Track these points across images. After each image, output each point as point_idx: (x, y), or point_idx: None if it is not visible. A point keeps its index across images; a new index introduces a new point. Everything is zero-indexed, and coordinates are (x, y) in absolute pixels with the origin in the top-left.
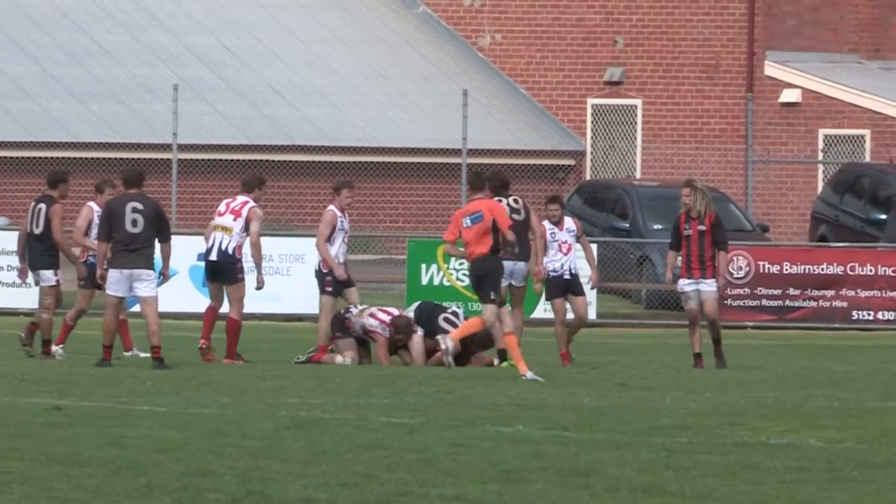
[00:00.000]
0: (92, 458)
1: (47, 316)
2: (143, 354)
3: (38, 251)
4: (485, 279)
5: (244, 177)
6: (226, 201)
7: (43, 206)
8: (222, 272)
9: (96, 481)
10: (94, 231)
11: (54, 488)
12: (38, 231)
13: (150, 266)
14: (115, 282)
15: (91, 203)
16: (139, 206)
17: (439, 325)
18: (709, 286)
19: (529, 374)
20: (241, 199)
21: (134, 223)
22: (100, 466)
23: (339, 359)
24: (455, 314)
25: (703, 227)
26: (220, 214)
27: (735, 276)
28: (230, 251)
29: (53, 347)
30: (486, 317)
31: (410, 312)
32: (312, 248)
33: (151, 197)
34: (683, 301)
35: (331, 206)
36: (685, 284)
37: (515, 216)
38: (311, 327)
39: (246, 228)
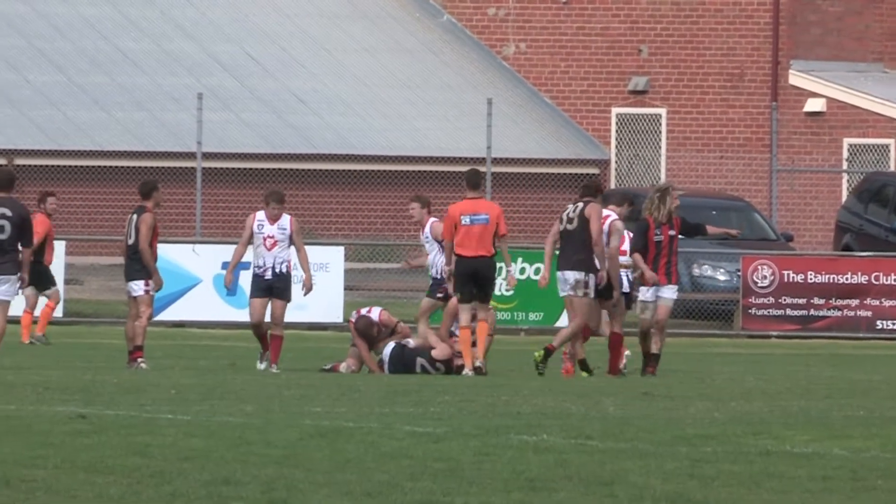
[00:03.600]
0: (116, 466)
1: (140, 323)
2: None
3: (132, 262)
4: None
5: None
6: None
7: (135, 216)
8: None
9: (121, 489)
10: (257, 238)
11: (79, 497)
12: (130, 242)
13: (14, 271)
14: None
15: (259, 212)
16: (7, 212)
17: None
18: (670, 293)
19: (468, 372)
20: (604, 212)
21: (1, 229)
22: (124, 475)
23: (342, 366)
24: (426, 370)
25: (673, 233)
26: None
27: (759, 285)
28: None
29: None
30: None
31: (385, 368)
32: (337, 256)
33: (19, 202)
34: (641, 309)
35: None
36: (648, 293)
37: (569, 226)
38: (334, 336)
39: (608, 242)
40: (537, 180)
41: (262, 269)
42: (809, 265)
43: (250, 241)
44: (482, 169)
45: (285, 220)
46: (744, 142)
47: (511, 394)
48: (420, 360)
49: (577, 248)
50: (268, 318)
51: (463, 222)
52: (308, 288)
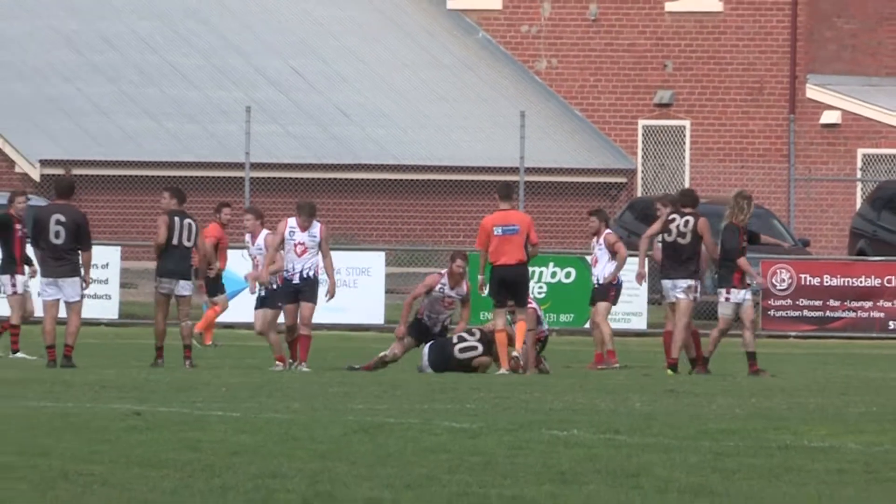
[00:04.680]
0: (169, 460)
1: (190, 322)
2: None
3: (187, 262)
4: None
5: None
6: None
7: (191, 221)
8: None
9: (174, 483)
10: (287, 244)
11: (134, 490)
12: (189, 244)
13: (75, 273)
14: (47, 287)
15: (291, 219)
16: (62, 217)
17: (456, 357)
18: (750, 294)
19: (501, 371)
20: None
21: (56, 235)
22: (177, 469)
23: (386, 351)
24: (463, 339)
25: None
26: None
27: (778, 288)
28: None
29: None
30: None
31: (425, 359)
32: (378, 261)
33: (77, 208)
34: (731, 310)
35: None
36: (738, 295)
37: (680, 239)
38: (376, 336)
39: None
40: (568, 189)
41: (290, 274)
42: (825, 269)
43: (281, 246)
44: (515, 179)
45: (315, 227)
46: (763, 152)
47: (543, 391)
48: (457, 347)
49: (689, 258)
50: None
51: (495, 233)
52: (331, 294)
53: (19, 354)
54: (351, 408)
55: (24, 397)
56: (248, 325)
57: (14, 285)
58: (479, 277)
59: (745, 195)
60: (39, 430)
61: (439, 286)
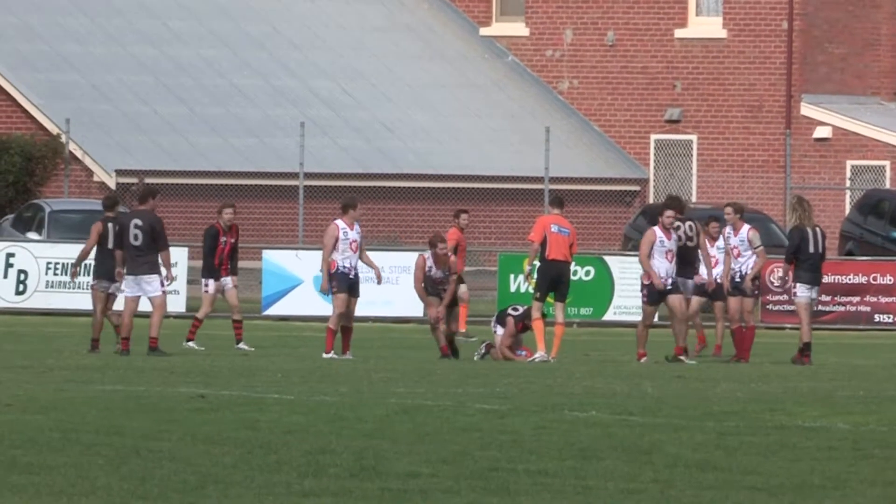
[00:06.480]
0: (230, 438)
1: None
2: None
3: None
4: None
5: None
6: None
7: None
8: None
9: (234, 458)
10: (342, 244)
11: (198, 464)
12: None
13: (154, 271)
14: (128, 283)
15: (338, 221)
16: (139, 222)
17: (510, 314)
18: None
19: (539, 356)
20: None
21: (135, 237)
22: (237, 445)
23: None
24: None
25: None
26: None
27: (775, 284)
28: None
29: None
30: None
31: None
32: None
33: (153, 213)
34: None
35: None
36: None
37: (689, 243)
38: (416, 328)
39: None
40: (588, 196)
41: (348, 269)
42: None
43: (335, 247)
44: (540, 187)
45: (357, 225)
46: (762, 163)
47: (565, 377)
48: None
49: (694, 258)
50: None
51: (552, 229)
52: (379, 279)
53: (190, 344)
54: (393, 391)
55: (101, 382)
56: (301, 318)
57: (207, 286)
58: (527, 267)
59: (800, 199)
60: (114, 411)
61: (429, 267)
